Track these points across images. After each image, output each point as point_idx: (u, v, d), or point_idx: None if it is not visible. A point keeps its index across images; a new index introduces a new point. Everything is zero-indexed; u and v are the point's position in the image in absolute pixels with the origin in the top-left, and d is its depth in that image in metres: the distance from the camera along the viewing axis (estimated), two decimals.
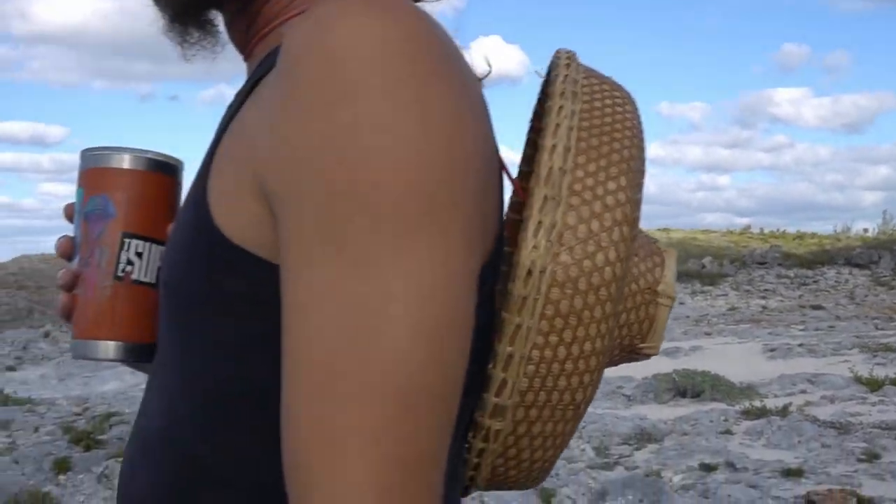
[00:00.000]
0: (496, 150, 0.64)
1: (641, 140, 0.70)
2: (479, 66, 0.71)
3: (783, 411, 7.33)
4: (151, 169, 0.81)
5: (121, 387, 10.73)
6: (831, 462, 5.95)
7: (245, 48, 0.83)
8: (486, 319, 0.63)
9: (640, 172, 0.68)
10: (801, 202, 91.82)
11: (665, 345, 8.00)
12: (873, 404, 7.73)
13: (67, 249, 0.83)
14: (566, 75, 0.70)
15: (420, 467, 0.54)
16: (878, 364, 9.57)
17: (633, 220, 0.66)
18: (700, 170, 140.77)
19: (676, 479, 5.64)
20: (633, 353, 0.76)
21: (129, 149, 0.82)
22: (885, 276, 19.46)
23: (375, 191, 0.53)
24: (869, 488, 5.23)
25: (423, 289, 0.53)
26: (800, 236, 24.70)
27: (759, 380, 9.14)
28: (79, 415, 8.21)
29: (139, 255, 0.78)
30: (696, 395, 8.44)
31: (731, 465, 5.90)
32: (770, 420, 7.04)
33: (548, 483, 5.17)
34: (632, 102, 0.73)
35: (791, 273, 20.41)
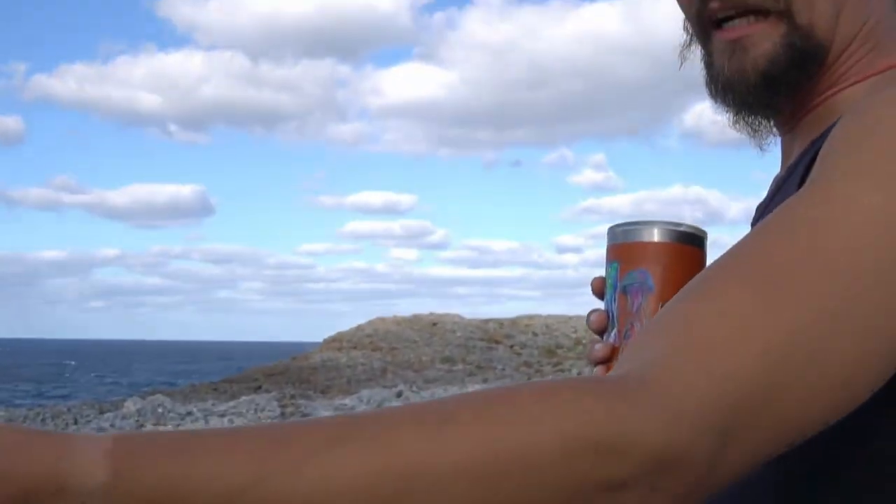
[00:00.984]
0: None
1: None
2: None
3: None
4: (683, 241, 0.82)
5: None
6: None
7: (789, 121, 0.87)
8: None
9: None
10: None
11: None
12: None
13: (602, 323, 0.86)
14: None
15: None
16: None
17: None
18: None
19: None
20: None
21: (659, 222, 0.83)
22: None
23: None
24: None
25: None
26: None
27: None
28: None
29: None
30: None
31: None
32: None
33: None
34: None
35: None
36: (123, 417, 14.84)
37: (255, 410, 16.73)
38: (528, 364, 32.11)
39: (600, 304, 0.87)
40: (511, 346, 34.95)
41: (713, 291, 0.60)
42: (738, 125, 0.88)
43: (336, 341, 36.88)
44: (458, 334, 36.92)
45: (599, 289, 0.88)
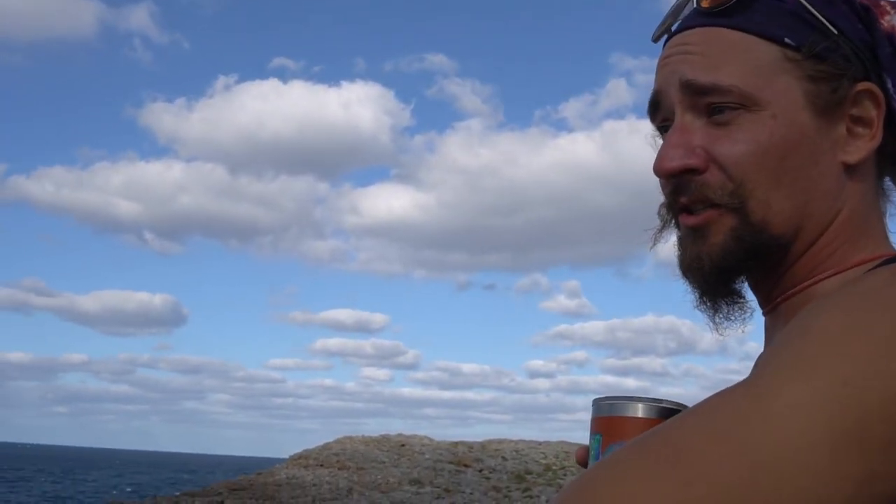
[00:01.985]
0: None
1: None
2: None
3: None
4: (663, 417, 0.83)
5: None
6: None
7: (768, 302, 0.93)
8: None
9: None
10: None
11: None
12: None
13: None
14: None
15: None
16: None
17: None
18: None
19: None
20: None
21: (641, 398, 0.85)
22: None
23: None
24: None
25: None
26: None
27: None
28: None
29: None
30: None
31: None
32: None
33: None
34: None
35: None
36: None
37: None
38: (496, 489, 31.57)
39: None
40: (480, 470, 34.37)
41: (617, 464, 0.68)
42: (700, 307, 0.93)
43: (302, 458, 36.14)
44: (427, 456, 36.32)
45: (583, 459, 0.91)
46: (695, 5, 0.93)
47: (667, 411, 0.85)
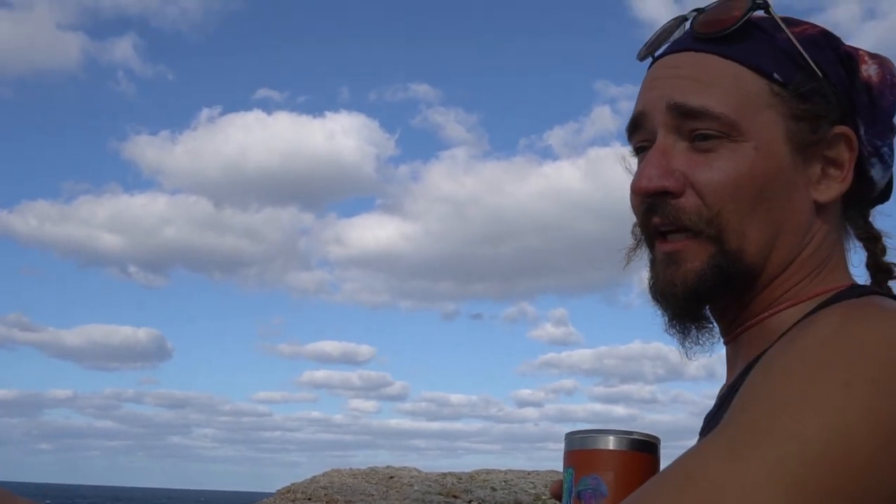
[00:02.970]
0: None
1: None
2: None
3: None
4: (636, 449, 0.86)
5: None
6: None
7: (729, 331, 0.96)
8: None
9: None
10: None
11: None
12: None
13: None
14: None
15: None
16: None
17: None
18: None
19: None
20: None
21: (613, 431, 0.87)
22: None
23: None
24: None
25: None
26: None
27: None
28: None
29: None
30: None
31: None
32: None
33: None
34: None
35: None
36: None
37: None
38: None
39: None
40: (469, 501, 34.12)
41: None
42: (670, 330, 0.95)
43: (290, 492, 35.82)
44: (416, 488, 36.07)
45: (557, 493, 0.92)
46: (689, 28, 0.94)
47: (637, 443, 0.86)
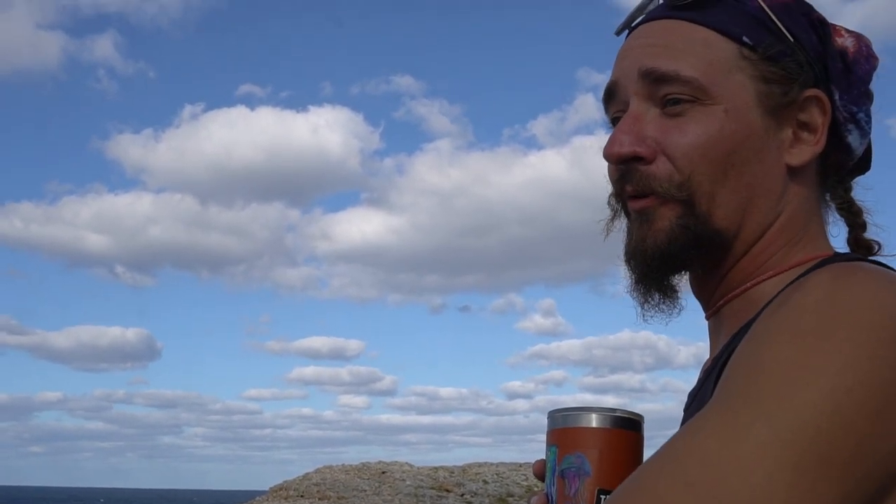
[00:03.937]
0: None
1: None
2: None
3: None
4: (619, 427, 0.86)
5: None
6: None
7: (710, 305, 0.95)
8: None
9: None
10: None
11: None
12: None
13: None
14: None
15: None
16: None
17: None
18: None
19: None
20: None
21: (595, 408, 0.86)
22: None
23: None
24: None
25: None
26: None
27: None
28: None
29: None
30: None
31: None
32: None
33: None
34: None
35: None
36: None
37: None
38: None
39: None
40: (462, 495, 34.18)
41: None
42: (633, 293, 0.95)
43: (283, 490, 35.77)
44: (408, 482, 36.11)
45: (540, 472, 0.92)
46: (662, 0, 0.95)
47: (621, 420, 0.86)
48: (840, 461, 0.66)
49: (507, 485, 33.88)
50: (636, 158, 0.90)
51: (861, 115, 0.94)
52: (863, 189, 1.00)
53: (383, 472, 37.94)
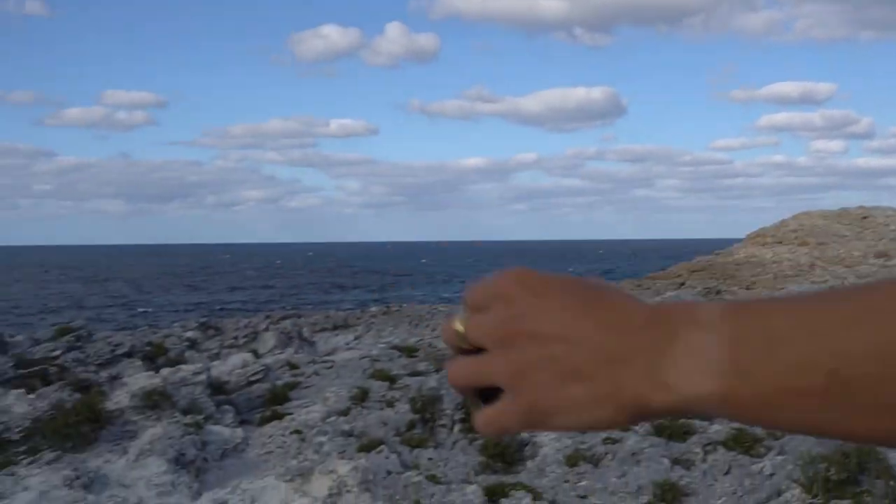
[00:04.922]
0: None
1: None
2: None
3: None
4: None
5: None
6: None
7: None
8: None
9: None
10: None
11: None
12: None
13: None
14: None
15: None
16: None
17: None
18: None
19: None
20: None
21: None
22: None
23: None
24: None
25: None
26: None
27: None
28: None
29: None
30: None
31: None
32: None
33: None
34: None
35: None
36: None
37: None
38: None
39: None
40: None
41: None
42: None
43: (759, 237, 36.48)
44: (892, 227, 34.62)
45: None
46: None
47: None
48: None
49: None
50: None
51: None
52: None
53: (864, 218, 36.65)
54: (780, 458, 7.14)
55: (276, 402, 10.98)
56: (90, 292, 58.07)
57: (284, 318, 20.65)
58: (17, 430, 9.48)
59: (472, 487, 7.11)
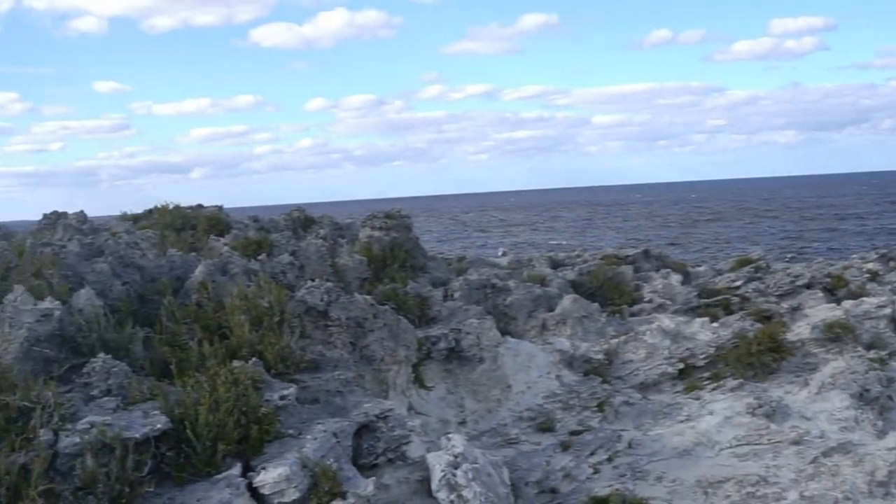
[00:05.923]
0: None
1: None
2: None
3: None
4: None
5: None
6: None
7: None
8: None
9: None
10: None
11: None
12: None
13: None
14: None
15: None
16: None
17: None
18: None
19: None
20: None
21: None
22: None
23: None
24: None
25: None
26: None
27: None
28: None
29: None
30: None
31: None
32: None
33: None
34: None
35: None
36: None
37: None
38: None
39: None
40: None
41: None
42: None
43: None
44: None
45: None
46: None
47: None
48: None
49: None
50: None
51: None
52: None
53: None
54: None
55: None
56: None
57: None
58: (701, 356, 10.04)
59: None
